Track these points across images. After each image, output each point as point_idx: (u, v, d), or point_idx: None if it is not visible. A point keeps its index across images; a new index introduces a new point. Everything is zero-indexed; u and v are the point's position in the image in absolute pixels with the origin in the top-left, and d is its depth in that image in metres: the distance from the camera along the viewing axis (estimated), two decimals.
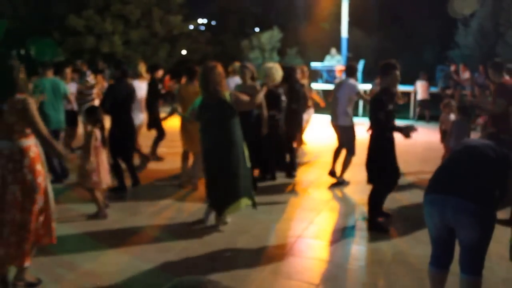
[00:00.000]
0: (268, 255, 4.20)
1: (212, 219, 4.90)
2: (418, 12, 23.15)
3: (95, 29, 20.97)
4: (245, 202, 4.76)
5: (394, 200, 5.70)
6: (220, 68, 4.61)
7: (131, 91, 6.22)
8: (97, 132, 5.00)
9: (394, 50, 20.66)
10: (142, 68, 7.53)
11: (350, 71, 6.83)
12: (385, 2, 22.26)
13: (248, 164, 4.80)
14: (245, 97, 4.74)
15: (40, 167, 3.24)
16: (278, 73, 6.52)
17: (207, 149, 4.69)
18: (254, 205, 4.92)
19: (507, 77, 6.01)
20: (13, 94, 3.13)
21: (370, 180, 5.05)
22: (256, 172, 6.62)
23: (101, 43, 21.09)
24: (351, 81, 6.68)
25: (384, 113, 4.75)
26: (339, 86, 6.81)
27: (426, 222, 3.02)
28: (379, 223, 4.97)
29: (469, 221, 2.65)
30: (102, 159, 5.05)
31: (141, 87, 7.28)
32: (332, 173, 6.81)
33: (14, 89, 3.14)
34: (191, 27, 24.05)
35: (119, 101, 5.99)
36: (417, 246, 4.42)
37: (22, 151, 3.14)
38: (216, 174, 4.62)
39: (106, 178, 5.13)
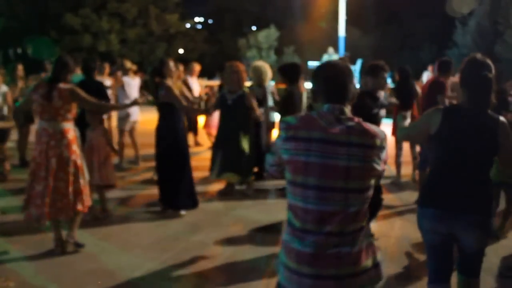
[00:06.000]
0: (268, 253, 4.13)
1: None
2: (415, 10, 23.15)
3: (92, 28, 20.94)
4: (235, 178, 5.49)
5: (389, 200, 5.65)
6: (244, 71, 5.52)
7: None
8: (104, 129, 4.92)
9: (392, 49, 20.70)
10: (127, 64, 7.22)
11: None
12: (383, 0, 22.23)
13: (250, 152, 5.49)
14: (254, 100, 5.47)
15: (75, 148, 3.91)
16: (267, 72, 6.35)
17: (221, 130, 5.51)
18: (242, 183, 5.67)
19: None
20: (57, 82, 3.79)
21: None
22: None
23: (97, 42, 21.06)
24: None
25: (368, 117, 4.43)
26: None
27: (425, 234, 2.86)
28: None
29: (478, 233, 2.70)
30: (106, 157, 4.95)
31: (130, 83, 7.09)
32: None
33: (58, 78, 3.82)
34: (188, 25, 24.04)
35: None
36: (415, 246, 4.31)
37: (62, 132, 3.83)
38: (228, 148, 5.41)
39: (111, 176, 5.01)
